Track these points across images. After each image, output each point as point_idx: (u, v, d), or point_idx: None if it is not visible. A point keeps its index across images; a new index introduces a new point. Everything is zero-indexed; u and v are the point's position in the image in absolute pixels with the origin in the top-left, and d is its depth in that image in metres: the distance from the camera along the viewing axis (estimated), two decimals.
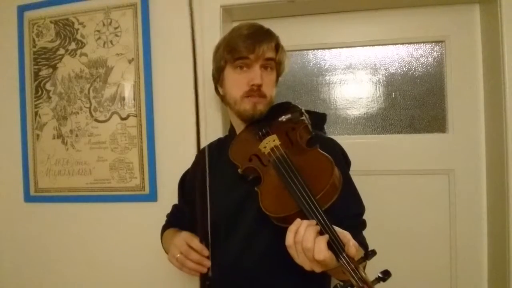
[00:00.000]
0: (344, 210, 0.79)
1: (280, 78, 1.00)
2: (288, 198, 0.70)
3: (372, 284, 0.57)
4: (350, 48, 1.33)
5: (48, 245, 1.39)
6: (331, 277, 0.88)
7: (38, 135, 1.38)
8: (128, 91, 1.30)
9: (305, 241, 0.61)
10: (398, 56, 1.30)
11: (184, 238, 0.86)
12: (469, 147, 1.23)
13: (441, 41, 1.27)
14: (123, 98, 1.30)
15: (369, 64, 1.32)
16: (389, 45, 1.31)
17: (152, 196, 1.28)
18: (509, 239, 1.08)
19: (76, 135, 1.35)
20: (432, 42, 1.28)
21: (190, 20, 0.73)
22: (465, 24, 1.23)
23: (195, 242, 0.83)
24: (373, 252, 0.62)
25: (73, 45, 1.35)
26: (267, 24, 0.95)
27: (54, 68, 1.36)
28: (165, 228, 1.07)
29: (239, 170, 0.86)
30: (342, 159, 0.90)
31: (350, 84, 1.34)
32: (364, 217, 0.88)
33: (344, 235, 0.64)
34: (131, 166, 1.30)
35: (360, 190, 0.89)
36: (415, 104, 1.30)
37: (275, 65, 0.93)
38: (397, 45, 1.30)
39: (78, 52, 1.34)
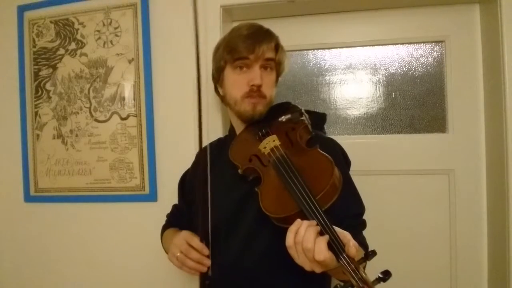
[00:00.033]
0: (344, 210, 0.79)
1: (280, 78, 1.00)
2: (288, 198, 0.70)
3: (372, 284, 0.57)
4: (350, 48, 1.33)
5: (48, 245, 1.39)
6: (331, 277, 0.88)
7: (38, 135, 1.38)
8: (128, 91, 1.30)
9: (306, 241, 0.61)
10: (398, 56, 1.30)
11: (184, 237, 0.86)
12: (469, 147, 1.23)
13: (441, 41, 1.27)
14: (123, 98, 1.30)
15: (369, 64, 1.32)
16: (389, 45, 1.31)
17: (152, 196, 1.28)
18: (509, 239, 1.08)
19: (76, 135, 1.35)
20: (432, 42, 1.28)
21: (194, 21, 0.73)
22: (465, 24, 1.23)
23: (195, 241, 0.84)
24: (373, 253, 0.62)
25: (73, 45, 1.35)
26: (267, 24, 0.95)
27: (54, 68, 1.36)
28: (165, 228, 1.07)
29: (239, 171, 0.86)
30: (342, 159, 0.90)
31: (350, 84, 1.34)
32: (364, 217, 0.88)
33: (344, 235, 0.64)
34: (131, 166, 1.30)
35: (360, 190, 0.89)
36: (415, 104, 1.30)
37: (275, 65, 0.93)
38: (397, 45, 1.30)
39: (78, 52, 1.34)
